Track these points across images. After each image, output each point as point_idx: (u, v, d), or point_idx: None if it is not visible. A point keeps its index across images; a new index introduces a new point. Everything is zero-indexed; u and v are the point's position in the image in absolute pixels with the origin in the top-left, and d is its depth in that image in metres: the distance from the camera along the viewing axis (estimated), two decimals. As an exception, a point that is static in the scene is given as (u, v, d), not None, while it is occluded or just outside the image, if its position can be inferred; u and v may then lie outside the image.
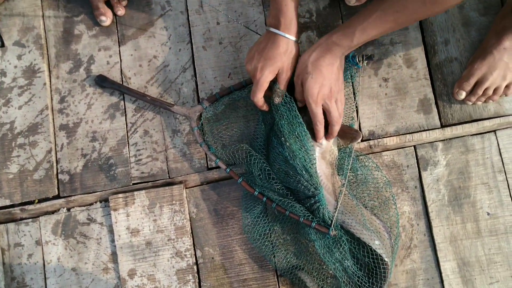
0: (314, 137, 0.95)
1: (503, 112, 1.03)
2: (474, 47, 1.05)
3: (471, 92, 1.01)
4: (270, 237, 1.00)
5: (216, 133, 1.05)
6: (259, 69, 0.90)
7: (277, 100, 0.94)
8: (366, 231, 0.93)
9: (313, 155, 0.94)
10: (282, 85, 0.93)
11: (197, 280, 1.03)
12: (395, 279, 1.00)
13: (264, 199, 0.97)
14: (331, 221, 0.94)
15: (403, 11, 0.81)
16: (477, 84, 1.00)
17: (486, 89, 0.99)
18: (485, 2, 1.06)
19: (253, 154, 0.98)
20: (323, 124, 0.93)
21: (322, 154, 0.97)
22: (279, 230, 1.01)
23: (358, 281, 0.93)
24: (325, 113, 0.92)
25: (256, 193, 0.98)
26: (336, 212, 0.94)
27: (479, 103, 1.02)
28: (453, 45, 1.06)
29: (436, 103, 1.05)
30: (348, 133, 1.00)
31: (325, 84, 0.89)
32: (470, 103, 1.01)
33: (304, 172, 0.93)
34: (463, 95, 1.01)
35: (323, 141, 0.96)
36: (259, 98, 0.93)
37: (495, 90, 1.00)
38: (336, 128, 0.94)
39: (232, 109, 1.06)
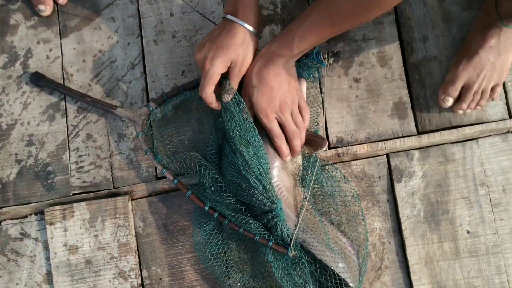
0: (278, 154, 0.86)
1: (485, 118, 0.92)
2: (455, 44, 0.94)
3: (459, 98, 0.90)
4: (224, 257, 0.89)
5: (164, 138, 0.94)
6: (209, 59, 0.79)
7: (225, 98, 0.82)
8: (329, 252, 0.83)
9: (267, 165, 0.83)
10: (233, 81, 0.82)
11: (142, 303, 0.92)
12: (363, 304, 0.89)
13: (216, 214, 0.86)
14: (290, 239, 0.82)
15: (338, 13, 0.72)
16: (465, 89, 0.89)
17: (474, 94, 0.89)
18: (468, -5, 0.95)
19: (203, 164, 0.86)
20: (283, 139, 0.84)
21: (283, 163, 0.86)
22: (235, 248, 0.90)
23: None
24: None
25: (206, 208, 0.86)
26: (296, 230, 0.83)
27: (469, 110, 0.91)
28: (432, 42, 0.95)
29: (413, 107, 0.94)
30: (312, 141, 0.88)
31: (274, 96, 0.80)
32: (461, 112, 0.91)
33: (258, 185, 0.81)
34: (450, 101, 0.90)
35: (288, 157, 0.85)
36: (208, 93, 0.81)
37: (481, 94, 0.89)
38: (296, 143, 0.85)
39: (184, 111, 0.95)
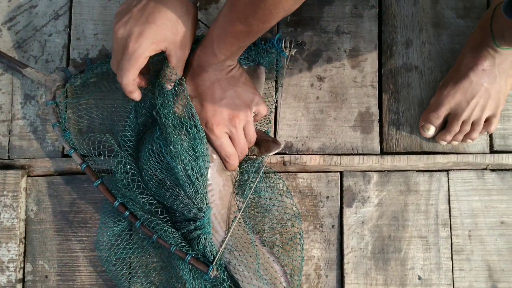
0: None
1: (462, 149, 0.78)
2: (442, 56, 0.79)
3: (445, 128, 0.75)
4: (130, 264, 0.73)
5: (79, 111, 0.77)
6: (136, 36, 0.61)
7: (169, 85, 0.66)
8: (256, 281, 0.67)
9: (206, 164, 0.67)
10: (178, 68, 0.65)
11: (18, 303, 0.75)
12: None
13: (126, 213, 0.69)
14: (214, 257, 0.67)
15: (232, 9, 0.58)
16: (451, 117, 0.74)
17: (462, 124, 0.74)
18: (467, 1, 0.80)
19: (115, 150, 0.70)
20: (236, 157, 0.69)
21: (223, 165, 0.70)
22: (144, 255, 0.74)
23: None
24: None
25: (116, 203, 0.70)
26: (223, 247, 0.68)
27: (455, 143, 0.76)
28: (416, 49, 0.80)
29: (380, 121, 0.79)
30: (263, 141, 0.73)
31: (218, 107, 0.66)
32: (444, 143, 0.76)
33: (187, 185, 0.65)
34: (431, 130, 0.75)
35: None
36: (129, 80, 0.64)
37: (472, 125, 0.75)
38: (243, 157, 0.71)
39: (110, 81, 0.78)
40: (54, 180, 0.78)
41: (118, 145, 0.71)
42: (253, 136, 0.70)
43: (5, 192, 0.76)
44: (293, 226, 0.75)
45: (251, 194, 0.73)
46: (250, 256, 0.69)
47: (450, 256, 0.76)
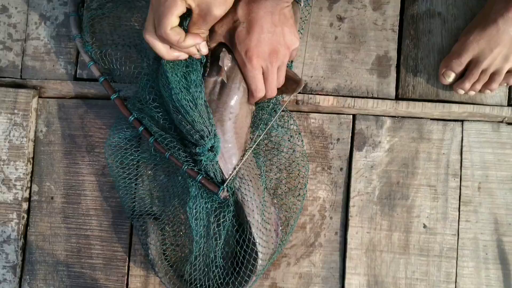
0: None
1: (479, 100, 0.76)
2: (467, 4, 0.77)
3: (463, 75, 0.73)
4: (135, 171, 0.73)
5: (100, 24, 0.75)
6: None
7: (197, 54, 0.65)
8: (257, 215, 0.67)
9: (199, 93, 0.65)
10: (204, 27, 0.61)
11: (23, 222, 0.75)
12: (282, 281, 0.74)
13: (141, 129, 0.69)
14: (223, 179, 0.67)
15: None
16: (472, 64, 0.72)
17: (482, 72, 0.72)
18: None
19: (143, 66, 0.69)
20: (263, 93, 0.67)
21: (247, 96, 0.69)
22: (150, 166, 0.74)
23: (219, 264, 0.68)
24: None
25: (131, 118, 0.69)
26: (236, 169, 0.67)
27: (472, 93, 0.74)
28: (441, -5, 0.77)
29: (398, 66, 0.77)
30: (286, 79, 0.71)
31: (264, 38, 0.63)
32: (462, 92, 0.74)
33: (184, 114, 0.64)
34: (451, 77, 0.73)
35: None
36: (167, 26, 0.58)
37: (492, 75, 0.73)
38: (268, 97, 0.69)
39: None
40: (65, 103, 0.77)
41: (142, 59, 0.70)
42: (283, 79, 0.69)
43: (15, 111, 0.76)
44: (299, 172, 0.74)
45: (264, 132, 0.72)
46: (258, 189, 0.69)
47: (458, 206, 0.75)
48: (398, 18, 0.77)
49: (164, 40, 0.60)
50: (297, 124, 0.75)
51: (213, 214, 0.67)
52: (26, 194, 0.76)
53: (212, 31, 0.64)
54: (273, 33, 0.63)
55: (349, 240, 0.74)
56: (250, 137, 0.71)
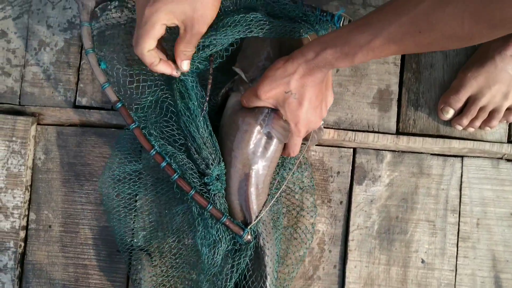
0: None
1: (480, 136, 0.76)
2: (469, 40, 0.77)
3: (462, 111, 0.73)
4: (134, 203, 0.72)
5: (120, 42, 0.73)
6: (152, 3, 0.57)
7: (176, 74, 0.65)
8: (271, 262, 0.67)
9: (202, 122, 0.66)
10: (191, 44, 0.61)
11: (20, 250, 0.75)
12: (280, 314, 0.74)
13: (163, 164, 0.65)
14: (245, 222, 0.67)
15: (429, 32, 0.49)
16: (470, 101, 0.72)
17: (480, 110, 0.72)
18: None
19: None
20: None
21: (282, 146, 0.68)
22: (147, 199, 0.73)
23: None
24: None
25: (153, 152, 0.65)
26: (263, 212, 0.67)
27: (471, 129, 0.74)
28: (444, 30, 0.77)
29: (399, 101, 0.77)
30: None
31: (313, 112, 0.63)
32: (460, 128, 0.74)
33: (191, 141, 0.64)
34: (450, 113, 0.73)
35: None
36: (144, 49, 0.59)
37: (492, 113, 0.73)
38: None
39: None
40: (63, 131, 0.77)
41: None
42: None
43: (14, 138, 0.75)
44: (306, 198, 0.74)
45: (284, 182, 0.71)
46: (276, 238, 0.69)
47: (456, 242, 0.75)
48: (401, 52, 0.77)
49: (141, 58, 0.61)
50: (305, 156, 0.74)
51: (231, 256, 0.66)
52: (24, 223, 0.75)
53: (255, 96, 0.63)
54: (321, 101, 0.64)
55: (347, 273, 0.75)
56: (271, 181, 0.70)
